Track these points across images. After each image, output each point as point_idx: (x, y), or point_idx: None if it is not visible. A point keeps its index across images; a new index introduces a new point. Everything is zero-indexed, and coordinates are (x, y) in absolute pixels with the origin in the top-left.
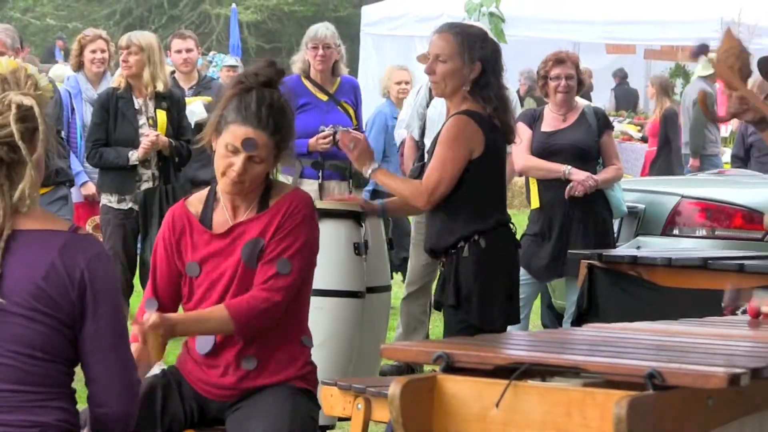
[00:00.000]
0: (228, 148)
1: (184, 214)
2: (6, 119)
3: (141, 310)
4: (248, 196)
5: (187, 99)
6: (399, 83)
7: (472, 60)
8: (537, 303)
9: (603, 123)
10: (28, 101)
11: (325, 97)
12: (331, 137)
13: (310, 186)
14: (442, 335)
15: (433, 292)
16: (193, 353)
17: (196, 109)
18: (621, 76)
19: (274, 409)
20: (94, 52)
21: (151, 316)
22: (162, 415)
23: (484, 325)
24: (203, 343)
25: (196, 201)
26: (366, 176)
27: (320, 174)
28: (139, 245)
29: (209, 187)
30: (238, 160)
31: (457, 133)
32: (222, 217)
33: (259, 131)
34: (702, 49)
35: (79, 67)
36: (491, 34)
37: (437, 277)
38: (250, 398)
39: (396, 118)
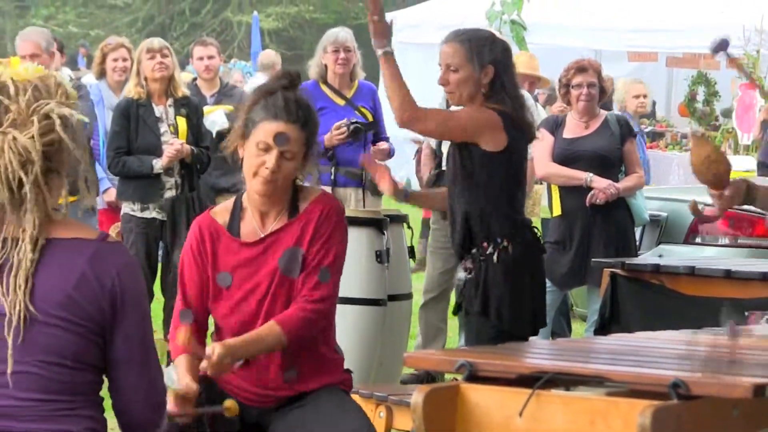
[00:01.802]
0: (259, 146)
1: (211, 224)
2: (45, 128)
3: (176, 322)
4: (276, 203)
5: (207, 108)
6: (637, 97)
7: (483, 65)
8: None
9: (626, 131)
10: (68, 111)
11: (342, 102)
12: (346, 129)
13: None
14: (465, 342)
15: (452, 296)
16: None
17: (217, 118)
18: None
19: (330, 407)
20: (116, 60)
21: (216, 349)
22: (204, 427)
23: (515, 331)
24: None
25: (222, 211)
26: (378, 53)
27: (333, 180)
28: (160, 252)
29: (234, 198)
30: (271, 157)
31: (477, 114)
32: (250, 227)
33: (290, 125)
34: (723, 46)
35: (101, 74)
36: (512, 40)
37: (462, 282)
38: (298, 401)
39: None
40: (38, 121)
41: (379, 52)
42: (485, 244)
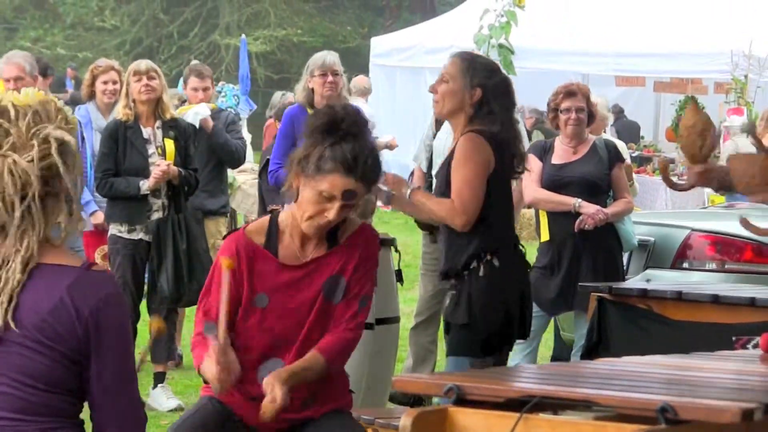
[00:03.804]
0: (323, 194)
1: (248, 243)
2: (44, 152)
3: (200, 335)
4: (317, 235)
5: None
6: None
7: (472, 85)
8: (545, 335)
9: (614, 156)
10: (65, 135)
11: None
12: None
13: None
14: (447, 356)
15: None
16: (246, 385)
17: (200, 110)
18: (618, 111)
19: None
20: (105, 83)
21: (276, 389)
22: None
23: (493, 342)
24: (267, 373)
25: (257, 231)
26: (406, 198)
27: None
28: (146, 274)
29: (268, 218)
30: (333, 208)
31: (471, 149)
32: (290, 250)
33: (359, 183)
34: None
35: (91, 96)
36: (500, 64)
37: (448, 299)
38: (307, 425)
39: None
40: (38, 144)
41: (408, 192)
42: (470, 257)
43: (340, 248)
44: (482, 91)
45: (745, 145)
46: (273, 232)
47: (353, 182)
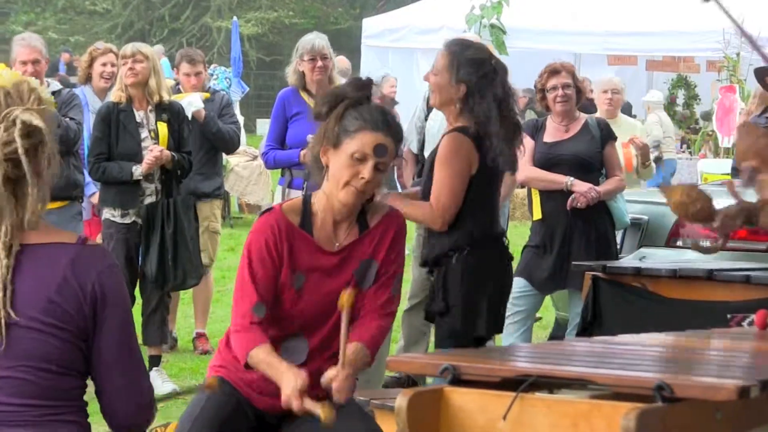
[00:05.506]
0: (355, 156)
1: (287, 222)
2: (11, 135)
3: (246, 315)
4: (351, 213)
5: (182, 94)
6: None
7: (457, 80)
8: (548, 316)
9: (606, 134)
10: (33, 117)
11: None
12: None
13: (297, 196)
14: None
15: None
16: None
17: (193, 100)
18: None
19: (344, 415)
20: (104, 65)
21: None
22: None
23: (468, 332)
24: (296, 355)
25: (291, 211)
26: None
27: (305, 186)
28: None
29: (302, 199)
30: (367, 168)
31: (454, 150)
32: (324, 232)
33: (389, 138)
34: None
35: (87, 79)
36: (495, 51)
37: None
38: None
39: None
40: (5, 128)
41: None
42: (449, 251)
43: (371, 232)
44: (466, 87)
45: (667, 117)
46: (307, 212)
47: (382, 137)
